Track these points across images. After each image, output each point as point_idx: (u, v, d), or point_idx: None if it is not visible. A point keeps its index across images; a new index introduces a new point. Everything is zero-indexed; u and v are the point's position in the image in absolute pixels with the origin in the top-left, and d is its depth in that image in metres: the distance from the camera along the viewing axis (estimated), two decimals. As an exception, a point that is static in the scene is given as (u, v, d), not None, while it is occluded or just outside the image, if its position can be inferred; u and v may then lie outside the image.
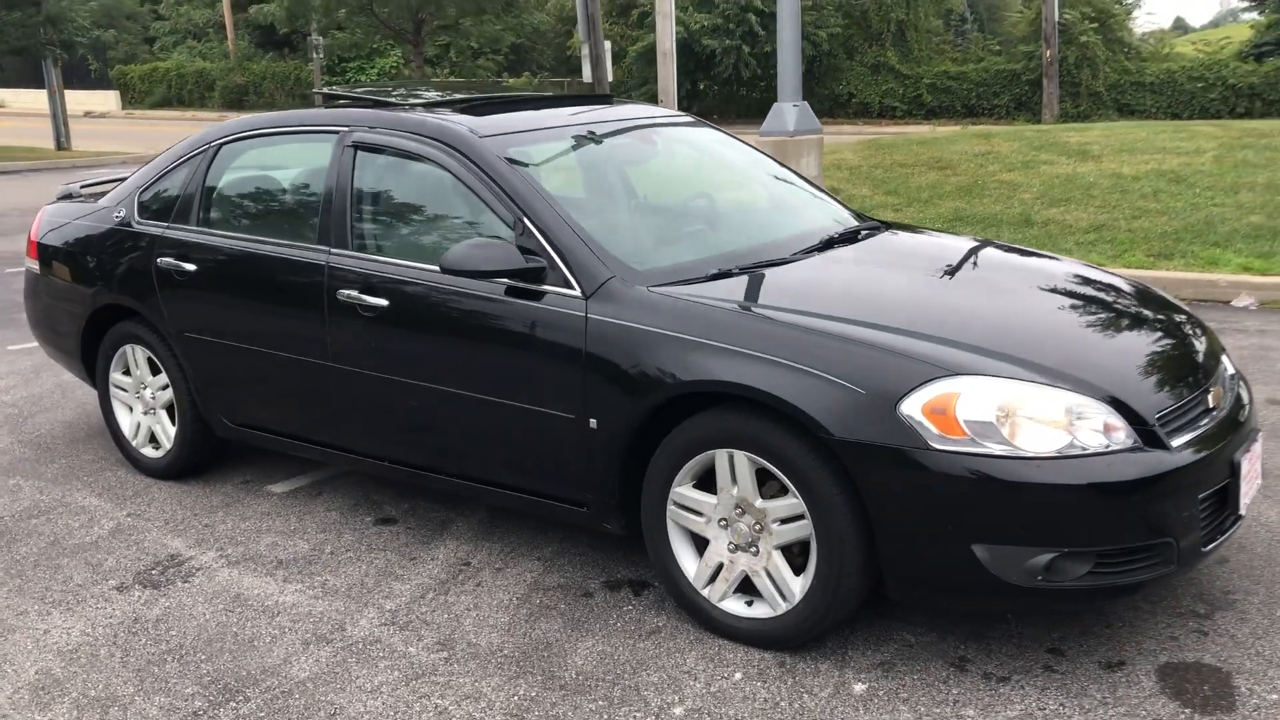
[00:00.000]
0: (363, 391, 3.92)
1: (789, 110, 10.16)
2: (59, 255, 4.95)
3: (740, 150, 4.65)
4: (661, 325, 3.25)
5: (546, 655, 3.26)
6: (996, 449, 2.84)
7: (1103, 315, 3.56)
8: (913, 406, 2.89)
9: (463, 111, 4.07)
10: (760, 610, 3.23)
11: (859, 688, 3.04)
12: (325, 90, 4.69)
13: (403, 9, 18.40)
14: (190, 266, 4.37)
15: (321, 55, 32.90)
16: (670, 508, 3.32)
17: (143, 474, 4.87)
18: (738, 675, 3.12)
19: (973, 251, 4.07)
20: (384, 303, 3.79)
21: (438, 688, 3.12)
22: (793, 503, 3.08)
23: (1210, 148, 10.38)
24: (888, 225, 4.38)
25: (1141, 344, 3.40)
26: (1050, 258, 4.27)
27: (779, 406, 3.02)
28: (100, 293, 4.74)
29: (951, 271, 3.82)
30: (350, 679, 3.18)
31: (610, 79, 20.83)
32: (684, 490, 3.29)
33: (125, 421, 4.89)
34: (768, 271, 3.60)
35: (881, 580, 3.06)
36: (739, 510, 3.20)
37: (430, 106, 4.16)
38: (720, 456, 3.18)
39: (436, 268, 3.72)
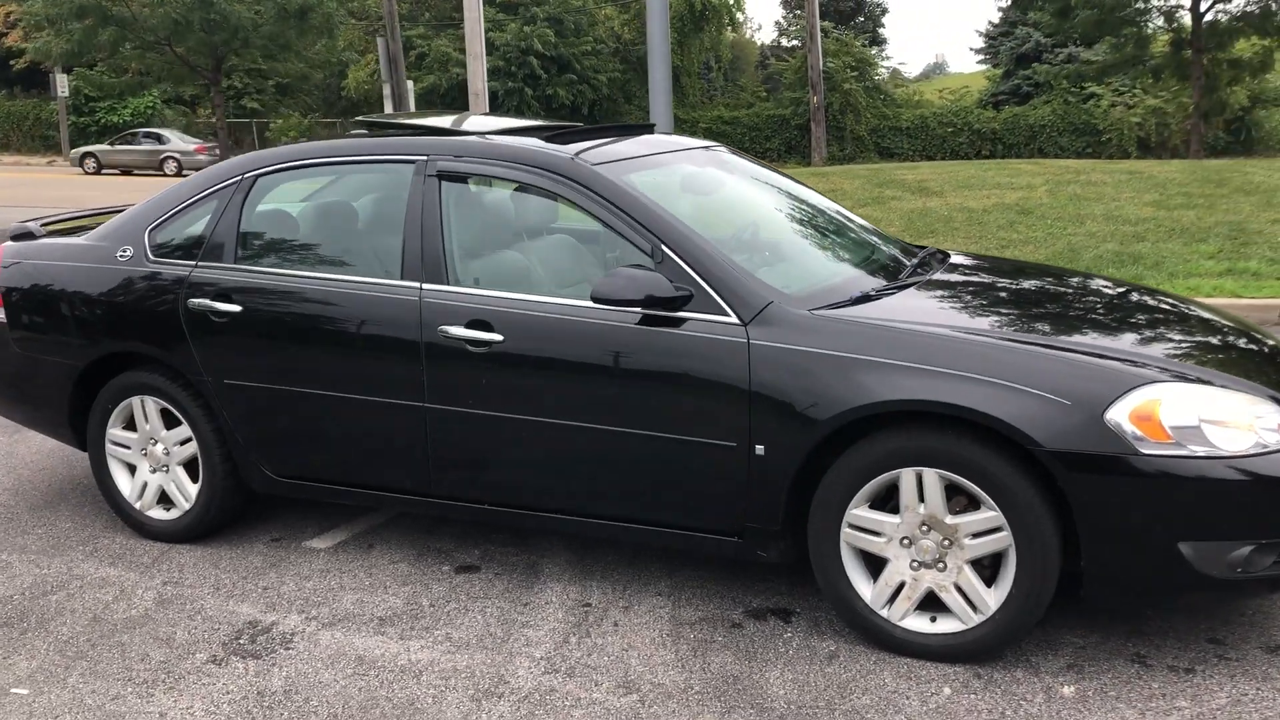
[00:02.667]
0: (470, 433, 3.72)
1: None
2: (36, 302, 4.45)
3: (779, 177, 4.72)
4: (839, 348, 3.27)
5: (741, 688, 3.20)
6: (1200, 451, 3.01)
7: (1199, 325, 3.81)
8: (1119, 414, 3.03)
9: (549, 139, 3.96)
10: (947, 625, 3.28)
11: (1068, 690, 3.14)
12: (365, 119, 4.43)
13: (203, 45, 17.46)
14: (232, 308, 4.03)
15: (67, 94, 30.74)
16: (845, 530, 3.33)
17: (147, 538, 4.42)
18: (946, 690, 3.16)
19: (1063, 275, 4.30)
20: (498, 338, 3.63)
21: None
22: (989, 516, 3.15)
23: (1039, 183, 11.27)
24: (936, 251, 4.55)
25: (1262, 352, 3.66)
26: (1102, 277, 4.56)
27: (984, 422, 3.10)
28: (102, 341, 4.30)
29: (1074, 290, 4.02)
30: (550, 732, 3.02)
31: (413, 119, 20.47)
32: (860, 512, 3.30)
33: (125, 482, 4.43)
34: (901, 295, 3.68)
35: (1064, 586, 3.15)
36: (924, 528, 3.25)
37: (508, 134, 4.02)
38: (907, 475, 3.22)
39: (555, 299, 3.61)
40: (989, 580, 3.24)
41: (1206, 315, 3.97)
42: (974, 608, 3.24)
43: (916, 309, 3.58)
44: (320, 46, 24.02)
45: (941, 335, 3.30)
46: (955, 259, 4.34)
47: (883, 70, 32.62)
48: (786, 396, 3.30)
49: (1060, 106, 29.49)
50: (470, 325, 3.67)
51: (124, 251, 4.30)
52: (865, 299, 3.58)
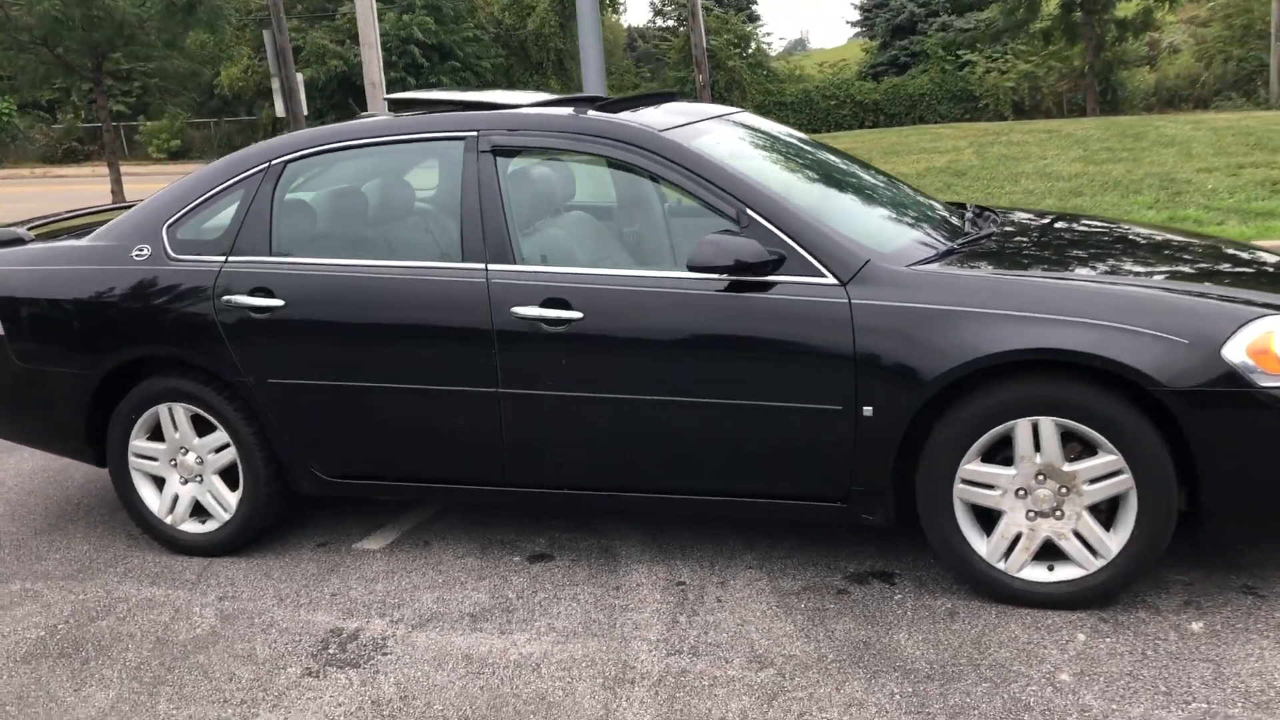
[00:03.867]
0: (549, 416, 3.59)
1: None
2: (40, 310, 4.14)
3: (807, 139, 4.66)
4: (946, 301, 3.24)
5: (875, 653, 3.16)
6: None
7: (1254, 260, 3.87)
8: (1235, 350, 3.06)
9: (602, 110, 3.84)
10: (1067, 573, 3.29)
11: (1196, 627, 3.18)
12: (393, 96, 4.21)
13: (83, 44, 16.59)
14: (274, 302, 3.81)
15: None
16: (958, 486, 3.31)
17: (180, 553, 4.18)
18: (1080, 637, 3.17)
19: (1110, 221, 4.35)
20: (577, 315, 3.50)
21: (803, 702, 2.94)
22: (1109, 460, 3.16)
23: (964, 145, 11.49)
24: (976, 205, 4.56)
25: None
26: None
27: (1104, 366, 3.10)
28: (122, 348, 4.03)
29: (1135, 235, 4.05)
30: (696, 712, 2.93)
31: (305, 112, 19.88)
32: (973, 466, 3.29)
33: (152, 497, 4.17)
34: (981, 248, 3.67)
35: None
36: (1040, 477, 3.24)
37: (558, 105, 3.89)
38: (1023, 425, 3.21)
39: (634, 272, 3.52)
40: (1106, 525, 3.24)
41: (1246, 252, 4.04)
42: (1094, 553, 3.24)
43: (1004, 260, 3.57)
44: (207, 41, 23.13)
45: (1048, 283, 3.30)
46: (1005, 213, 4.35)
47: (765, 45, 32.90)
48: (894, 355, 3.25)
49: (938, 75, 30.19)
50: (545, 304, 3.53)
51: (140, 250, 4.03)
52: (950, 254, 3.55)
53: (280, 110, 19.89)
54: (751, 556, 3.82)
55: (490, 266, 3.62)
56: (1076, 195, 9.53)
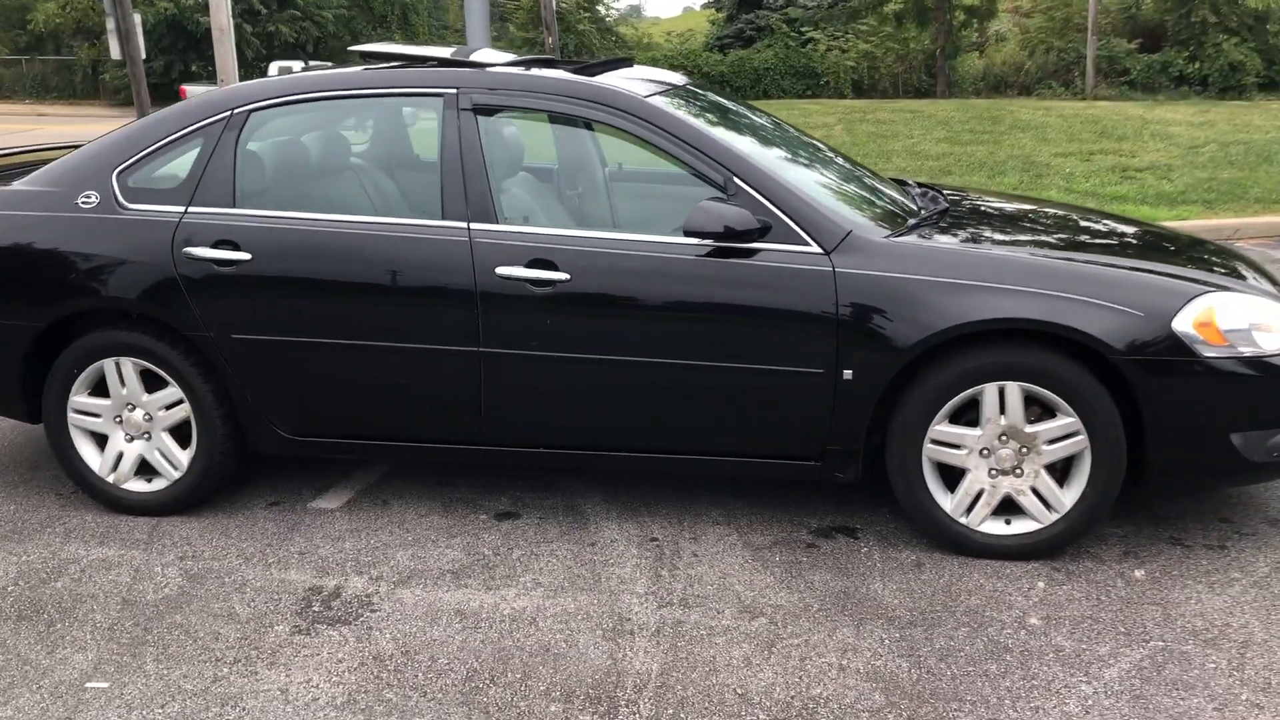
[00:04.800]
0: (531, 376, 3.65)
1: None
2: (-26, 258, 3.94)
3: (758, 111, 4.80)
4: (926, 272, 3.43)
5: (856, 601, 3.35)
6: (1247, 352, 3.39)
7: (1191, 242, 4.22)
8: (1184, 322, 3.36)
9: (578, 72, 3.88)
10: (1023, 526, 3.55)
11: (1139, 574, 3.49)
12: (360, 49, 4.12)
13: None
14: (240, 255, 3.73)
15: None
16: (928, 445, 3.52)
17: (122, 513, 4.05)
18: (1040, 584, 3.44)
19: (1046, 202, 4.62)
20: (564, 276, 3.56)
21: (800, 648, 3.11)
22: (1067, 422, 3.43)
23: (834, 122, 11.89)
24: (915, 181, 4.79)
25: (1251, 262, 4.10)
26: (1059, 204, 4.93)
27: (1069, 335, 3.35)
28: (65, 299, 3.86)
29: (1079, 214, 4.34)
30: (701, 660, 3.06)
31: (144, 55, 18.89)
32: (942, 428, 3.51)
33: (93, 455, 4.03)
34: (945, 223, 3.88)
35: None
36: (1003, 438, 3.49)
37: (534, 64, 3.91)
38: (990, 389, 3.45)
39: (621, 235, 3.60)
40: (1060, 482, 3.51)
41: (1172, 232, 4.39)
42: (1049, 508, 3.51)
43: (970, 235, 3.79)
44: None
45: (1019, 257, 3.53)
46: (946, 191, 4.58)
47: (615, 10, 32.92)
48: (876, 322, 3.43)
49: (782, 51, 30.81)
50: (531, 265, 3.57)
51: (87, 197, 3.86)
52: (918, 227, 3.75)
53: (115, 53, 18.82)
54: (718, 513, 3.96)
55: (473, 225, 3.63)
56: (945, 174, 9.99)
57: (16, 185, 4.00)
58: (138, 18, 18.96)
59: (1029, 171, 10.02)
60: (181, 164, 3.88)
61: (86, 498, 4.15)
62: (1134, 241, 4.09)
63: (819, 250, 3.48)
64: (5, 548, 3.82)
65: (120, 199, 3.84)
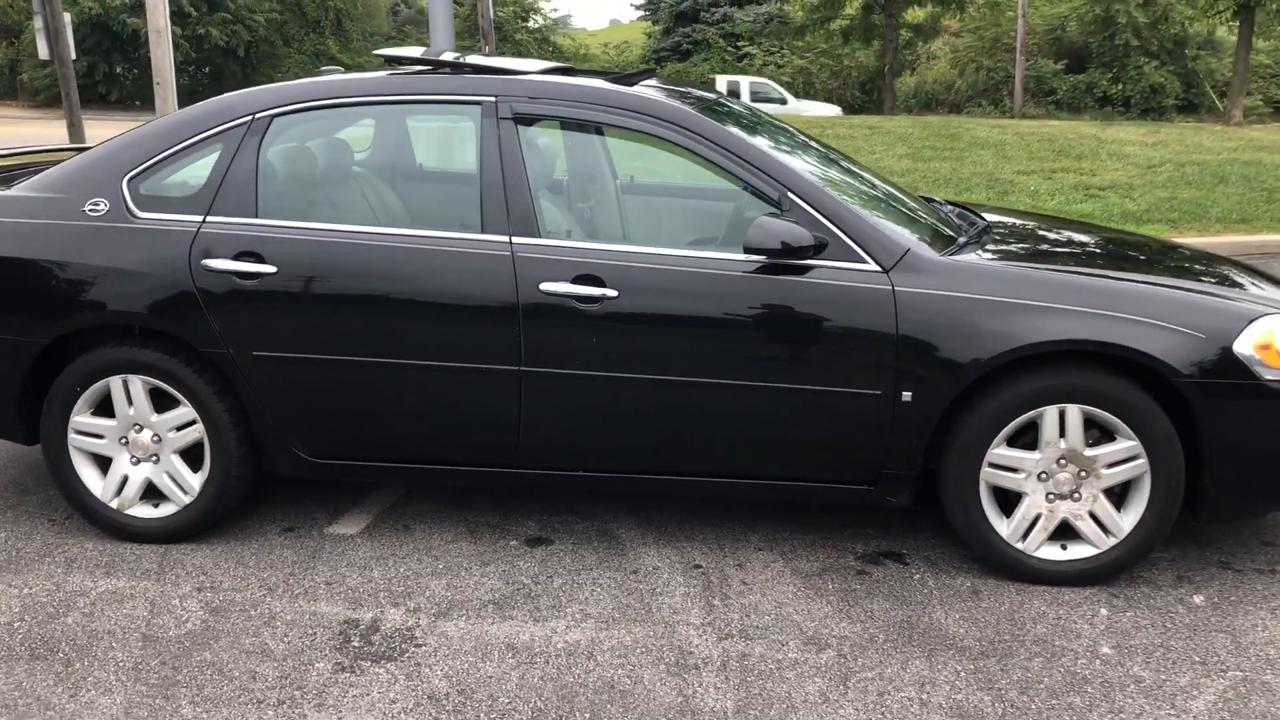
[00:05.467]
0: (575, 396, 3.50)
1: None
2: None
3: (793, 127, 4.70)
4: (987, 292, 3.36)
5: (922, 632, 3.25)
6: None
7: (1230, 264, 4.20)
8: (1244, 345, 3.33)
9: (615, 82, 3.76)
10: (1080, 551, 3.49)
11: (1198, 599, 3.44)
12: (386, 54, 3.92)
13: None
14: (265, 268, 3.53)
15: None
16: (985, 469, 3.45)
17: (125, 540, 3.82)
18: (1103, 611, 3.37)
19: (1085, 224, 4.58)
20: (612, 293, 3.43)
21: (877, 681, 3.01)
22: (1128, 445, 3.38)
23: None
24: (947, 201, 4.73)
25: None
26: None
27: (1133, 357, 3.30)
28: (72, 313, 3.63)
29: (1126, 237, 4.29)
30: (775, 696, 2.94)
31: (74, 55, 18.29)
32: (1001, 451, 3.43)
33: (94, 479, 3.79)
34: (994, 243, 3.81)
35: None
36: (1062, 461, 3.43)
37: (562, 73, 3.78)
38: (1050, 412, 3.38)
39: (671, 251, 3.48)
40: (1117, 506, 3.46)
41: (1199, 251, 4.38)
42: (1106, 532, 3.45)
43: (1023, 255, 3.72)
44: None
45: (1080, 278, 3.47)
46: (983, 212, 4.50)
47: (553, 20, 32.77)
48: (937, 342, 3.35)
49: (718, 64, 30.97)
50: (577, 281, 3.43)
51: (95, 205, 3.63)
52: (968, 246, 3.68)
53: (44, 52, 18.21)
54: (757, 539, 3.84)
55: (515, 239, 3.47)
56: (915, 191, 10.00)
57: (14, 191, 3.75)
58: (67, 17, 18.40)
59: (994, 189, 10.09)
60: (198, 171, 3.67)
61: (83, 523, 3.91)
62: (1177, 262, 4.05)
63: (877, 269, 3.38)
64: (3, 579, 3.56)
65: (131, 207, 3.61)
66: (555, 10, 59.12)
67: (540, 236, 3.49)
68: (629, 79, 3.83)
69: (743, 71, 31.34)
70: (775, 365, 3.41)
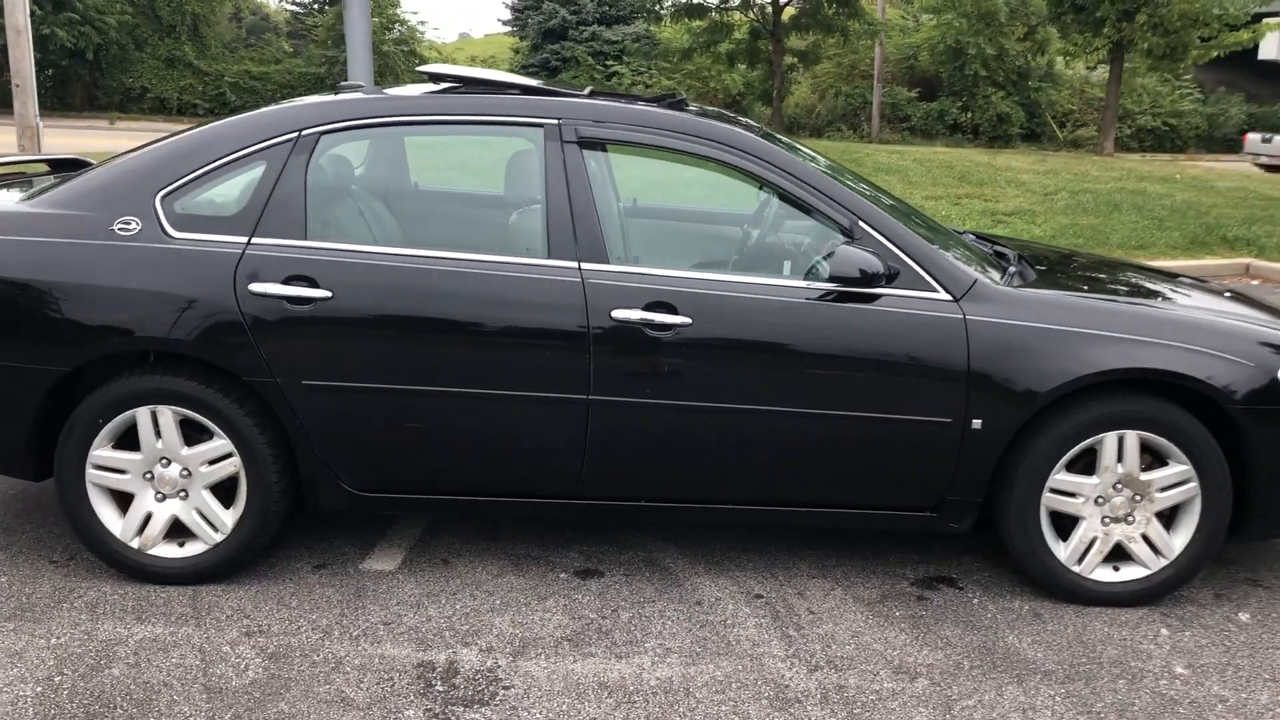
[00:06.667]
0: (644, 425, 3.43)
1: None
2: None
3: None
4: (1053, 321, 3.44)
5: (1003, 657, 3.30)
6: None
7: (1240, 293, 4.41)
8: (1289, 373, 3.50)
9: (669, 107, 3.72)
10: (1132, 573, 3.60)
11: (1244, 617, 3.59)
12: (431, 70, 3.75)
13: None
14: (319, 293, 3.36)
15: None
16: (1046, 495, 3.53)
17: (147, 582, 3.58)
18: (1163, 631, 3.48)
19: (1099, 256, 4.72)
20: (685, 320, 3.39)
21: (981, 709, 3.03)
22: (1181, 470, 3.51)
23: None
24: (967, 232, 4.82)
25: None
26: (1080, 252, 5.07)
27: (1192, 385, 3.43)
28: (100, 339, 3.38)
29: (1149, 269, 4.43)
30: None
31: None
32: (1062, 476, 3.52)
33: (113, 517, 3.54)
34: (1046, 275, 3.90)
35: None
36: (1118, 486, 3.54)
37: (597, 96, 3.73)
38: (1110, 438, 3.48)
39: (743, 278, 3.47)
40: (1167, 528, 3.58)
41: (1203, 280, 4.57)
42: (1157, 554, 3.57)
43: (1070, 284, 3.82)
44: None
45: (1139, 308, 3.58)
46: (997, 240, 4.60)
47: (420, 32, 32.26)
48: (1007, 370, 3.41)
49: (587, 81, 31.01)
50: (649, 308, 3.37)
51: (125, 224, 3.39)
52: (1020, 275, 3.76)
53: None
54: (807, 566, 3.83)
55: (584, 265, 3.39)
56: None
57: (32, 207, 3.47)
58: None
59: (908, 213, 10.38)
60: (238, 189, 3.47)
61: (91, 564, 3.65)
62: (1208, 292, 4.20)
63: (948, 298, 3.43)
64: (25, 629, 3.27)
65: (167, 226, 3.39)
66: (422, 22, 58.36)
67: (609, 262, 3.41)
68: (676, 105, 3.78)
69: (612, 90, 31.48)
70: (846, 393, 3.41)
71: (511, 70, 32.71)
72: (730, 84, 28.76)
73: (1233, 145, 32.96)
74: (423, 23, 59.67)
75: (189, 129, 3.60)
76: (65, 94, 28.09)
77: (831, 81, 33.38)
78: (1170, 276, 4.40)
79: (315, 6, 33.27)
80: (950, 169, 12.50)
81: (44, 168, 4.41)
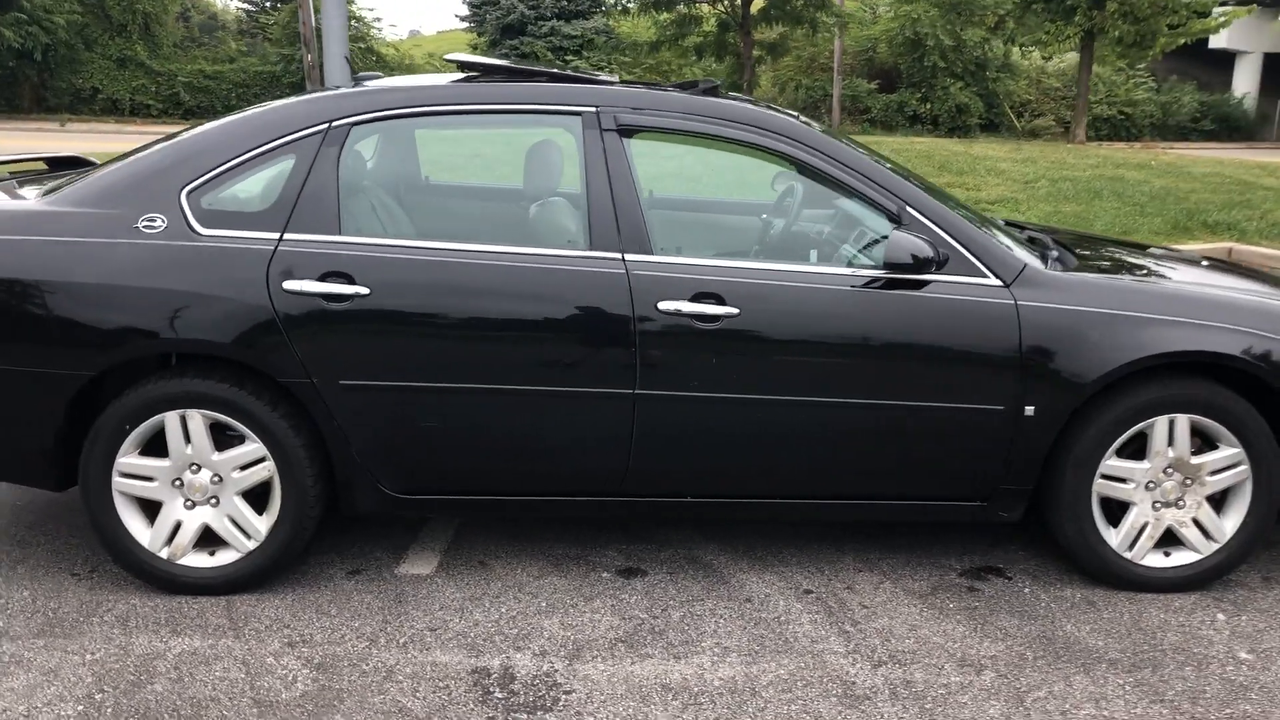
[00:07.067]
0: (690, 419, 3.35)
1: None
2: (7, 295, 3.25)
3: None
4: (1104, 305, 3.40)
5: (1065, 647, 3.25)
6: None
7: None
8: (1333, 353, 3.48)
9: (703, 93, 3.64)
10: (1183, 557, 3.57)
11: (1295, 599, 3.56)
12: (459, 59, 3.63)
13: None
14: (357, 289, 3.25)
15: None
16: (1097, 481, 3.48)
17: (174, 593, 3.45)
18: (1219, 615, 3.45)
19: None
20: (733, 311, 3.31)
21: (1054, 700, 2.98)
22: (1232, 453, 3.48)
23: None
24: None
25: None
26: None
27: (1245, 367, 3.40)
28: (127, 342, 3.24)
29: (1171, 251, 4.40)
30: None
31: None
32: (1113, 462, 3.48)
33: (140, 526, 3.40)
34: (1090, 256, 3.86)
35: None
36: (1169, 470, 3.50)
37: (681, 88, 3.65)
38: (1160, 422, 3.45)
39: (788, 266, 3.40)
40: (1217, 512, 3.55)
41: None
42: (1208, 538, 3.53)
43: (1113, 268, 3.78)
44: None
45: (1187, 289, 3.54)
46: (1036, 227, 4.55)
47: (377, 29, 31.88)
48: (1059, 355, 3.36)
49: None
50: (696, 299, 3.29)
51: (150, 221, 3.26)
52: (1064, 260, 3.71)
53: None
54: (850, 559, 3.77)
55: (628, 257, 3.30)
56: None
57: (50, 206, 3.33)
58: None
59: (893, 203, 10.36)
60: (267, 183, 3.35)
61: (116, 575, 3.51)
62: (1239, 271, 4.19)
63: (998, 283, 3.37)
64: (57, 645, 3.13)
65: (194, 223, 3.25)
66: (378, 19, 57.68)
67: (653, 253, 3.32)
68: (710, 90, 3.70)
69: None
70: (897, 382, 3.35)
71: (471, 66, 32.45)
72: (691, 77, 28.73)
73: (1185, 133, 33.47)
74: (378, 19, 59.15)
75: (191, 126, 3.48)
76: (13, 95, 27.47)
77: (792, 74, 33.44)
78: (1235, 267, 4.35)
79: (269, 5, 32.81)
80: (929, 158, 12.50)
81: (43, 166, 4.26)
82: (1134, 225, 9.57)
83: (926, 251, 3.27)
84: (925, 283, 3.35)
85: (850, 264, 3.45)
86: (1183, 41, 19.05)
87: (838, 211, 3.93)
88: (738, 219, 4.57)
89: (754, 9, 21.64)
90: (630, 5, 22.95)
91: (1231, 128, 34.38)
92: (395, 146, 3.66)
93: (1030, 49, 23.88)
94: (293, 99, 3.46)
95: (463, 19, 34.78)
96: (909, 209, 3.39)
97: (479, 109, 3.45)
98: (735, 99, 3.63)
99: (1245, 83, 35.11)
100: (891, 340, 3.34)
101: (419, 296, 3.25)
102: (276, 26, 30.02)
